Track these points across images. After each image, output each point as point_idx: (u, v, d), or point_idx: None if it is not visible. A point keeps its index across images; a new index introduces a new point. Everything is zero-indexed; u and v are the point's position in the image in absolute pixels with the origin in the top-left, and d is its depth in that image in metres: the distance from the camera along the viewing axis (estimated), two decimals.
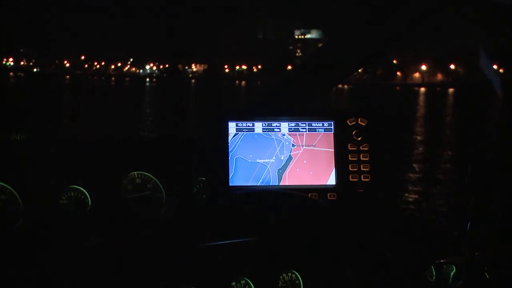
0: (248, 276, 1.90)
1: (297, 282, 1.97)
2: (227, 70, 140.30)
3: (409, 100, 53.87)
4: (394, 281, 1.74)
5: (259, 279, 1.91)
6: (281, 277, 1.95)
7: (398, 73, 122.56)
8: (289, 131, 2.21)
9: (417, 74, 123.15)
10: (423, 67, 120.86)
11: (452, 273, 2.00)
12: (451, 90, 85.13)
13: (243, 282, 1.90)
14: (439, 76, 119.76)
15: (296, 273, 1.97)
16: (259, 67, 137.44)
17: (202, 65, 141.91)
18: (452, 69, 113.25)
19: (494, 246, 1.95)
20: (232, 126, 2.18)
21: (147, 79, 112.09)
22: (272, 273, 1.94)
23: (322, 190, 2.17)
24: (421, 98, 64.55)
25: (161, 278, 1.68)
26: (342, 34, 2.49)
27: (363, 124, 2.23)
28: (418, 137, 21.59)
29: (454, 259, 2.00)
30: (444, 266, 1.99)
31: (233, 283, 1.88)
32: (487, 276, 1.88)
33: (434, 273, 2.00)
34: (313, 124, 2.23)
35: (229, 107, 2.55)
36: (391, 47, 2.45)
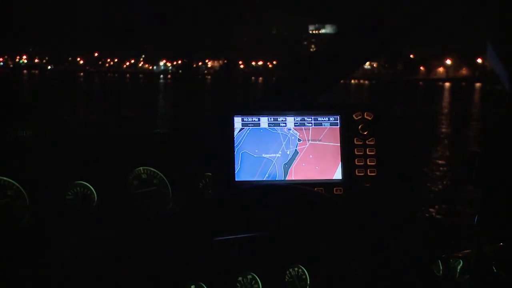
0: (255, 271, 1.90)
1: (304, 277, 1.96)
2: (242, 66, 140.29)
3: (430, 95, 53.44)
4: (401, 275, 1.73)
5: (265, 274, 1.90)
6: (287, 272, 1.95)
7: (421, 68, 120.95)
8: (295, 126, 2.20)
9: (441, 69, 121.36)
10: (448, 61, 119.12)
11: (459, 267, 1.98)
12: (477, 84, 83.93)
13: (249, 277, 1.89)
14: (464, 71, 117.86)
15: (303, 268, 1.96)
16: (274, 63, 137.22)
17: (217, 61, 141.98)
18: (479, 63, 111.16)
19: (502, 240, 1.93)
20: (237, 121, 2.17)
21: (161, 76, 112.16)
22: (279, 268, 1.94)
23: (328, 184, 2.16)
24: (445, 93, 63.91)
25: (167, 274, 1.68)
26: (345, 29, 2.47)
27: (369, 118, 2.21)
28: (435, 132, 21.44)
29: (461, 253, 1.99)
30: (451, 260, 1.97)
31: (240, 278, 1.88)
32: (495, 270, 1.87)
33: (441, 267, 1.98)
34: (319, 119, 2.21)
35: (234, 102, 2.53)
36: (395, 43, 2.42)
